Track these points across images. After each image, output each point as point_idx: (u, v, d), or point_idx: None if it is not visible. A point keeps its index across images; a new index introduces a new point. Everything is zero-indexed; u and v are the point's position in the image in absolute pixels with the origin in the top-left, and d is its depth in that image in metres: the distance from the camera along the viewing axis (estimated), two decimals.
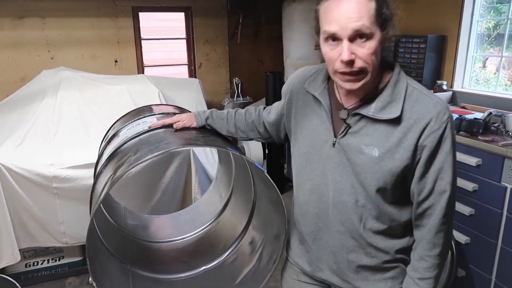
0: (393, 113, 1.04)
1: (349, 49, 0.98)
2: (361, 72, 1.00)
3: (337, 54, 1.00)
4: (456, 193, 1.12)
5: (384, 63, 1.10)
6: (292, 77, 1.31)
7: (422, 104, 1.04)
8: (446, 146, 1.04)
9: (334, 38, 1.00)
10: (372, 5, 0.97)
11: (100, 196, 1.28)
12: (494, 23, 3.07)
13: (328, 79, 1.18)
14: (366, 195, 1.10)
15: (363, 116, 1.08)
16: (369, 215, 1.12)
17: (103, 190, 1.28)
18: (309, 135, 1.18)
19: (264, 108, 1.48)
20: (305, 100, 1.22)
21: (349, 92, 1.11)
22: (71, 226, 2.62)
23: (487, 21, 3.11)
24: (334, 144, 1.12)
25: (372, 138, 1.07)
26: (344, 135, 1.11)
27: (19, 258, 2.54)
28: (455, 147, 1.07)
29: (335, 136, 1.12)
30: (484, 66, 3.21)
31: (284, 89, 1.33)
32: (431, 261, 1.11)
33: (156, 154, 1.27)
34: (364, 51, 0.98)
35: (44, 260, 2.82)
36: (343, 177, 1.12)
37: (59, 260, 2.86)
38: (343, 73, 1.01)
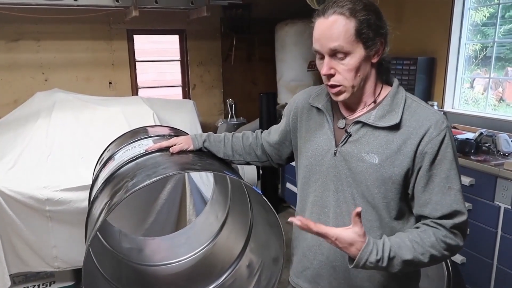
0: (392, 121, 1.08)
1: (328, 64, 1.08)
2: (340, 86, 1.09)
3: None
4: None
5: (383, 78, 1.16)
6: (296, 95, 1.36)
7: (421, 114, 1.08)
8: (449, 154, 1.05)
9: (320, 54, 1.09)
10: (352, 25, 1.04)
11: (96, 223, 1.25)
12: (481, 46, 3.16)
13: None
14: (366, 206, 1.10)
15: (364, 124, 1.11)
16: (370, 227, 1.11)
17: (100, 216, 1.26)
18: (312, 147, 1.21)
19: (262, 132, 1.50)
20: (309, 114, 1.26)
21: (346, 104, 1.17)
22: (64, 250, 2.57)
23: (474, 44, 3.20)
24: (335, 153, 1.14)
25: (373, 145, 1.09)
26: (345, 143, 1.13)
27: (9, 283, 2.48)
28: (457, 156, 1.09)
29: (336, 146, 1.15)
30: (472, 87, 3.29)
31: (288, 107, 1.37)
32: (433, 239, 1.04)
33: (153, 180, 1.24)
34: (343, 67, 1.07)
35: (34, 286, 2.74)
36: (344, 187, 1.13)
37: (50, 285, 2.78)
38: (327, 85, 1.11)
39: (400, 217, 1.13)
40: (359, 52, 1.05)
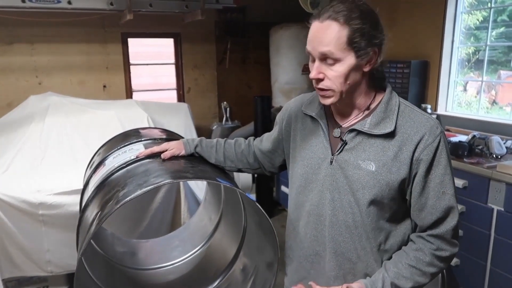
0: (387, 128, 1.08)
1: (318, 68, 1.07)
2: (328, 91, 1.08)
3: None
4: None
5: (377, 84, 1.15)
6: (288, 103, 1.35)
7: (415, 120, 1.09)
8: (443, 159, 1.07)
9: (312, 56, 1.09)
10: (344, 33, 1.03)
11: (88, 234, 1.22)
12: (474, 49, 3.19)
13: None
14: (362, 214, 1.10)
15: (359, 132, 1.11)
16: (366, 236, 1.12)
17: (91, 227, 1.22)
18: (307, 155, 1.20)
19: (254, 139, 1.49)
20: (304, 123, 1.25)
21: (339, 111, 1.17)
22: (57, 254, 2.55)
23: (467, 47, 3.22)
24: (331, 162, 1.14)
25: (369, 153, 1.09)
26: (341, 151, 1.13)
27: None
28: (451, 161, 1.11)
29: (332, 154, 1.15)
30: (465, 90, 3.31)
31: (280, 115, 1.35)
32: (428, 258, 1.09)
33: (144, 190, 1.21)
34: (332, 73, 1.06)
35: None
36: (340, 195, 1.13)
37: None
38: (315, 88, 1.11)
39: (393, 219, 1.13)
40: (349, 60, 1.04)
